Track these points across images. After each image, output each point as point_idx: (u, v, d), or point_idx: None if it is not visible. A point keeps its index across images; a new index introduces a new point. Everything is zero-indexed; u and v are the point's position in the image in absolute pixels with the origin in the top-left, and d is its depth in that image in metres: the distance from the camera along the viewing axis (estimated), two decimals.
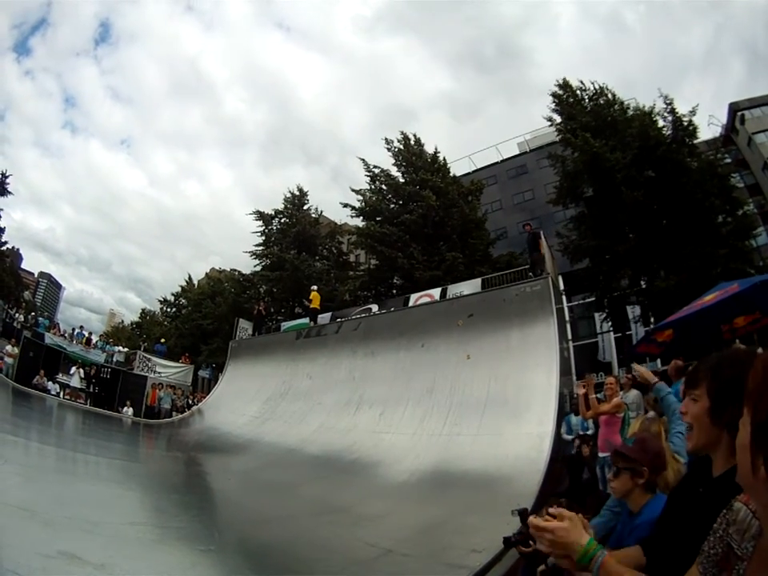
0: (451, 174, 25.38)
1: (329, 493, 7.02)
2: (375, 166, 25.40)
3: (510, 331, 8.57)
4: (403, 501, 6.36)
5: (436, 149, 25.40)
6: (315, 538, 4.95)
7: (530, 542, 1.89)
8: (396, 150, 25.22)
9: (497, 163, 35.31)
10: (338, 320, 15.20)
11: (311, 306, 17.88)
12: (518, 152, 35.11)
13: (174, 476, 9.08)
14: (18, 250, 59.02)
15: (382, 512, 5.93)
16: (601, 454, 6.32)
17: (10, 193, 31.82)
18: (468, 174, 31.38)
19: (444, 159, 25.23)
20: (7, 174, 31.68)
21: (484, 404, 7.89)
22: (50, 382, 17.79)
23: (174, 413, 18.62)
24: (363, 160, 25.60)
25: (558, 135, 21.53)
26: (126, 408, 18.47)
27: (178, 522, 5.47)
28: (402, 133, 25.56)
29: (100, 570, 3.56)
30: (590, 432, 7.33)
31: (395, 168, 25.23)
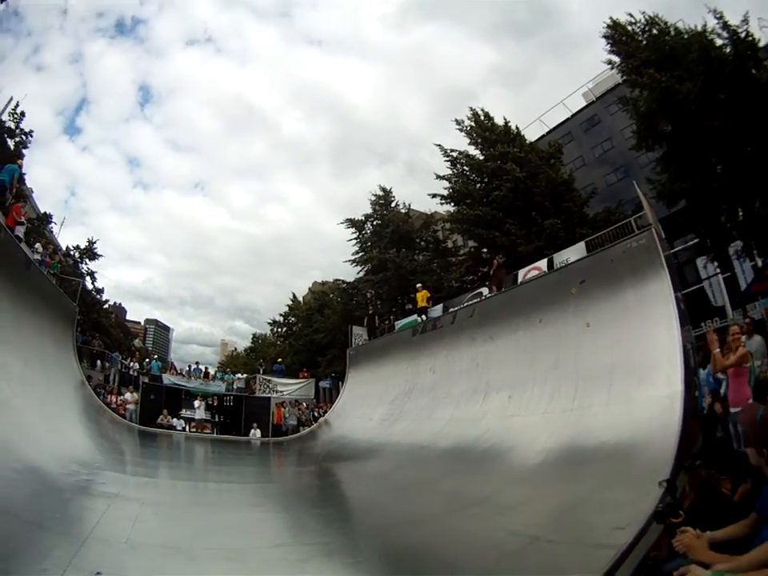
0: (527, 142, 25.31)
1: (467, 485, 6.95)
2: (452, 150, 25.54)
3: (624, 291, 8.12)
4: (542, 483, 6.20)
5: (505, 119, 25.30)
6: (461, 534, 4.93)
7: (680, 512, 2.09)
8: (468, 128, 25.26)
9: (567, 120, 33.89)
10: (451, 310, 15.10)
11: (418, 305, 18.00)
12: (584, 103, 33.80)
13: (311, 490, 9.33)
14: (120, 304, 64.71)
15: (522, 498, 5.82)
16: (732, 409, 6.20)
17: (100, 256, 35.91)
18: (542, 137, 30.74)
19: (516, 128, 25.23)
20: (94, 240, 35.69)
21: (610, 371, 7.49)
22: (175, 419, 19.09)
23: (300, 428, 19.39)
24: (439, 146, 25.84)
25: (621, 77, 21.05)
26: (253, 431, 19.38)
27: (323, 537, 5.50)
28: (471, 109, 25.50)
29: None
30: (720, 388, 7.26)
31: (472, 147, 25.36)
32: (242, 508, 7.24)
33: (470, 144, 25.38)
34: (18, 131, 25.84)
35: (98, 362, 22.58)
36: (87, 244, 35.42)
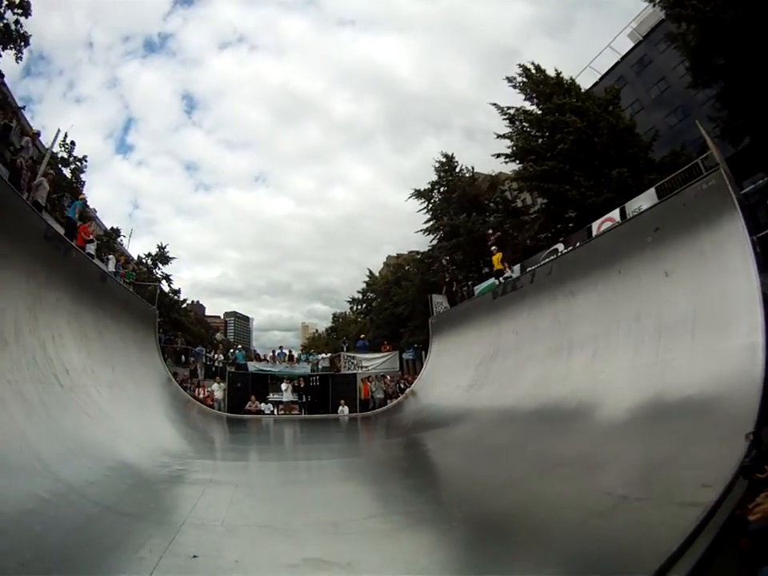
0: (582, 91, 24.69)
1: (555, 446, 6.84)
2: (509, 108, 25.24)
3: (699, 236, 7.65)
4: (629, 441, 6.04)
5: (557, 70, 24.58)
6: (551, 496, 4.93)
7: (765, 468, 2.00)
8: (520, 84, 24.91)
9: (617, 64, 32.31)
10: (529, 269, 14.77)
11: (495, 268, 17.72)
12: (631, 45, 31.86)
13: (401, 461, 9.46)
14: (198, 302, 67.62)
15: (610, 456, 5.70)
16: None
17: (172, 259, 38.62)
18: (595, 84, 29.74)
19: (571, 78, 24.57)
20: (164, 246, 38.33)
21: (691, 321, 7.12)
22: (263, 404, 19.90)
23: (387, 401, 19.65)
24: (495, 105, 25.63)
25: (664, 12, 19.52)
26: (341, 408, 19.90)
27: (415, 506, 5.56)
28: (520, 65, 24.93)
29: (347, 570, 3.65)
30: None
31: (528, 103, 24.92)
32: (334, 483, 7.43)
33: (525, 100, 24.95)
34: (71, 159, 27.53)
35: (183, 357, 23.64)
36: (158, 250, 37.68)
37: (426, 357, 20.41)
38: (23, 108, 23.78)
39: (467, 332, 15.60)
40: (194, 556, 3.81)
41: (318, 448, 11.86)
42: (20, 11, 21.03)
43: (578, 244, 13.40)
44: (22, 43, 21.51)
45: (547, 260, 14.41)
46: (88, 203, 26.78)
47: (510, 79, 25.07)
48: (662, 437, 5.51)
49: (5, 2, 20.68)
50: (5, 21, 20.79)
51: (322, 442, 13.19)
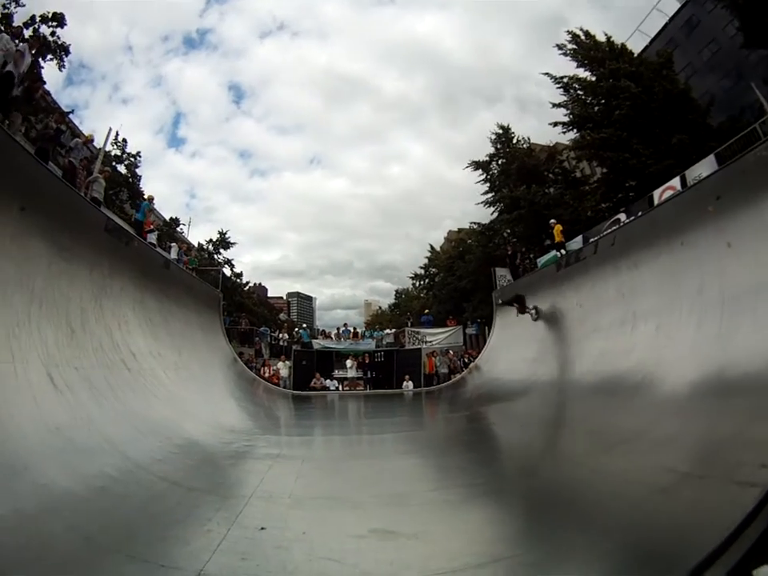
0: (635, 55, 24.68)
1: (618, 421, 6.66)
2: (562, 76, 25.53)
3: (760, 205, 7.06)
4: (693, 417, 5.79)
5: (606, 35, 24.63)
6: (612, 472, 4.87)
7: None
8: (571, 51, 25.07)
9: (666, 26, 31.03)
10: (592, 240, 14.34)
11: (556, 240, 17.52)
12: (678, 5, 30.47)
13: (464, 435, 9.44)
14: (260, 284, 69.41)
15: (674, 432, 5.48)
16: None
17: (233, 244, 40.65)
18: (646, 48, 28.77)
19: (621, 43, 24.61)
20: (225, 231, 40.30)
21: (755, 293, 6.66)
22: (328, 380, 20.44)
23: (451, 375, 19.62)
24: (548, 74, 25.83)
25: None
26: (405, 383, 20.11)
27: (479, 479, 5.56)
28: (569, 32, 25.09)
29: (413, 540, 3.67)
30: None
31: (581, 70, 25.18)
32: (399, 456, 7.47)
33: (578, 67, 25.19)
34: (124, 156, 28.78)
35: (248, 338, 24.28)
36: (219, 235, 39.02)
37: (488, 331, 20.32)
38: (71, 112, 24.97)
39: (531, 304, 15.22)
40: (262, 528, 3.88)
41: (382, 422, 11.97)
42: (54, 23, 22.30)
43: (639, 214, 12.99)
44: (62, 53, 22.84)
45: (609, 230, 13.94)
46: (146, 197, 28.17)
47: (560, 47, 25.45)
48: (725, 413, 5.30)
49: (38, 18, 21.69)
50: (40, 34, 21.89)
51: (387, 416, 13.27)
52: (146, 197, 17.15)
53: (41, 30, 22.00)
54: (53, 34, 22.37)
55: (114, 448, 5.23)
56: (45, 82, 10.79)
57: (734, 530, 2.05)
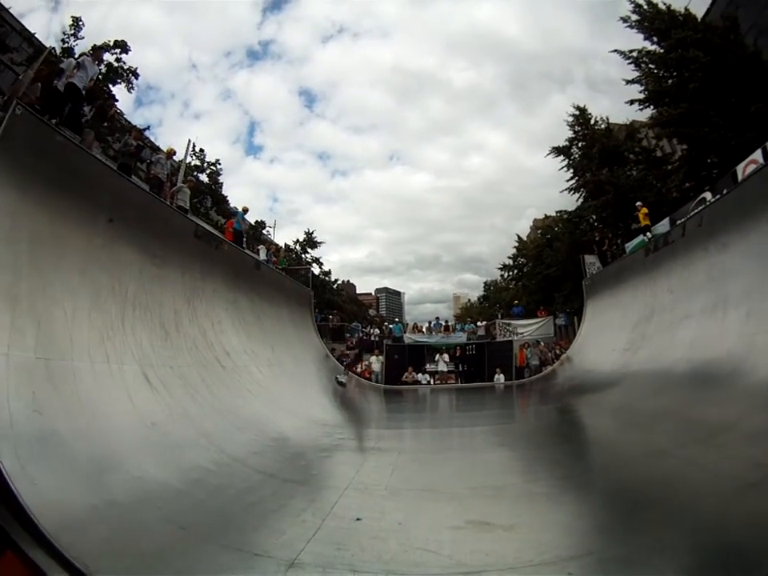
0: (698, 20, 23.07)
1: (710, 413, 6.26)
2: (631, 51, 24.42)
3: None
4: None
5: (664, 2, 23.23)
6: (704, 464, 4.62)
7: None
8: (636, 23, 24.04)
9: None
10: (679, 222, 13.53)
11: (642, 224, 17.03)
12: None
13: (558, 427, 9.25)
14: (348, 281, 70.77)
15: (766, 425, 5.13)
16: None
17: (320, 243, 41.70)
18: (707, 12, 26.49)
19: (685, 9, 23.03)
20: (311, 231, 41.55)
21: None
22: (419, 374, 20.42)
23: (543, 367, 19.08)
24: (617, 50, 24.95)
25: None
26: (497, 376, 19.80)
27: (573, 471, 5.48)
28: (631, 1, 23.94)
29: (509, 531, 3.61)
30: None
31: (648, 43, 23.99)
32: (493, 448, 7.37)
33: (645, 39, 24.07)
34: (204, 165, 30.36)
35: (340, 334, 24.75)
36: (306, 235, 40.15)
37: (578, 322, 19.65)
38: (147, 129, 26.74)
39: (622, 293, 14.73)
40: (358, 519, 3.90)
41: (475, 415, 11.84)
42: (118, 50, 24.03)
43: (724, 191, 11.99)
44: (131, 76, 24.53)
45: (696, 211, 13.07)
46: (233, 205, 29.68)
47: (624, 19, 24.31)
48: None
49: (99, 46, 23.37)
50: (105, 62, 23.40)
51: (479, 409, 13.16)
52: (240, 208, 18.03)
53: (104, 57, 23.56)
54: (118, 60, 24.14)
55: (210, 442, 5.46)
56: (117, 100, 11.43)
57: None
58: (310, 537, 3.46)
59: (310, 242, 40.45)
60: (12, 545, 2.08)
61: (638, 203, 17.77)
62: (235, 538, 3.37)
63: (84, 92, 8.24)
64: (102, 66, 23.48)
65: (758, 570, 2.49)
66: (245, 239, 16.91)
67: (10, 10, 24.84)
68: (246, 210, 17.50)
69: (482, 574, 2.94)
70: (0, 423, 3.29)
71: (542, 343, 20.61)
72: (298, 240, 39.93)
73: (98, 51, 9.01)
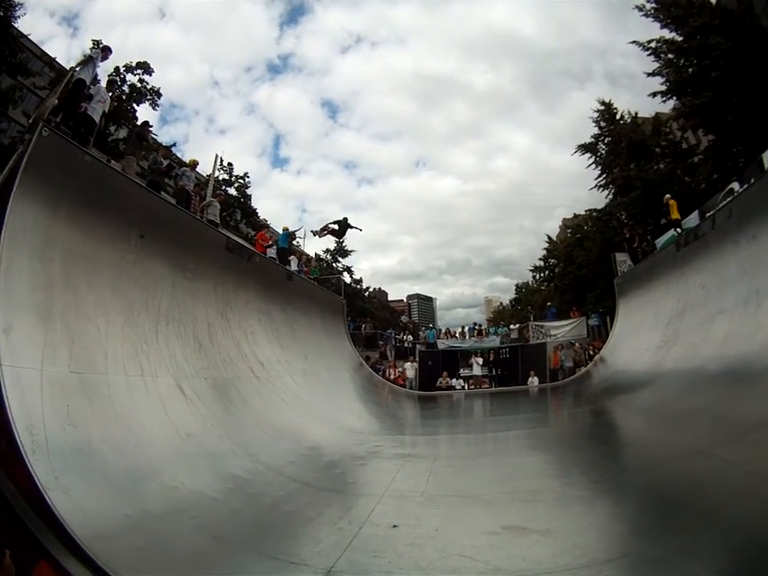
0: (713, 4, 22.68)
1: (745, 409, 6.09)
2: (650, 41, 24.20)
3: None
4: None
5: None
6: (741, 463, 4.48)
7: None
8: (651, 11, 23.84)
9: None
10: (708, 214, 13.27)
11: (671, 217, 16.39)
12: None
13: (593, 429, 9.11)
14: (380, 288, 70.98)
15: None
16: None
17: (351, 251, 42.40)
18: None
19: None
20: (341, 240, 40.71)
21: None
22: (453, 380, 20.30)
23: (577, 369, 18.73)
24: (636, 42, 24.76)
25: None
26: (530, 379, 19.52)
27: (609, 474, 5.39)
28: None
29: (545, 536, 3.59)
30: None
31: (666, 32, 23.76)
32: (528, 452, 7.31)
33: (662, 28, 23.79)
34: (233, 179, 30.95)
35: (372, 341, 24.79)
36: (336, 244, 40.38)
37: (611, 322, 19.29)
38: (174, 145, 27.61)
39: (654, 290, 14.47)
40: (394, 526, 3.89)
41: (509, 420, 11.73)
42: (140, 71, 24.95)
43: (752, 181, 11.87)
44: (155, 96, 25.53)
45: (725, 202, 12.81)
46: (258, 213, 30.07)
47: (640, 8, 24.07)
48: None
49: (122, 68, 24.32)
50: (129, 82, 24.72)
51: (513, 413, 13.06)
52: (281, 229, 18.47)
53: (127, 78, 24.75)
54: (141, 81, 25.04)
55: (245, 451, 5.50)
56: (151, 126, 11.68)
57: None
58: (347, 545, 3.45)
59: (341, 250, 40.80)
60: (45, 554, 2.12)
61: (667, 196, 17.34)
62: (271, 547, 3.38)
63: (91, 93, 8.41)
64: (125, 87, 24.40)
65: None
66: (275, 249, 17.12)
67: (30, 37, 25.87)
68: (286, 230, 17.84)
69: None
70: (35, 437, 3.35)
71: (576, 344, 20.31)
72: (328, 249, 40.35)
73: (105, 51, 9.25)
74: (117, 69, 24.00)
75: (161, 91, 25.52)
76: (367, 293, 47.37)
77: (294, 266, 17.67)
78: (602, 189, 30.16)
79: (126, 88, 24.50)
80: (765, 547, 2.83)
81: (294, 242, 24.59)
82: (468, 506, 4.57)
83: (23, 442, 3.15)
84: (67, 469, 3.36)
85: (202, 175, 21.40)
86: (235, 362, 7.92)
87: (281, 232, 17.88)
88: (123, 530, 3.13)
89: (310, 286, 16.30)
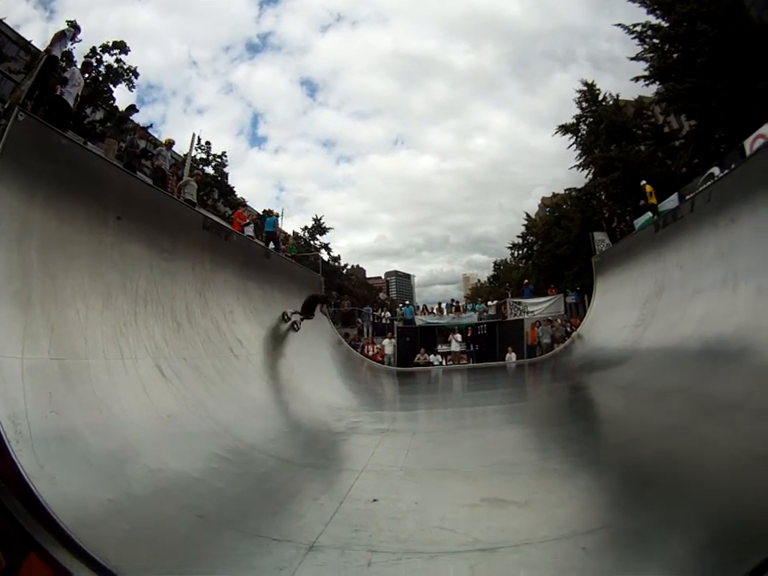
0: None
1: (720, 390, 6.22)
2: (635, 25, 24.51)
3: None
4: None
5: None
6: (715, 440, 4.64)
7: None
8: None
9: None
10: (688, 197, 13.48)
11: (649, 201, 16.58)
12: None
13: (570, 405, 9.25)
14: (358, 266, 71.03)
15: None
16: None
17: (329, 229, 42.08)
18: None
19: None
20: (319, 217, 41.92)
21: None
22: (431, 356, 20.48)
23: (554, 345, 18.98)
24: (621, 25, 25.06)
25: None
26: (508, 355, 19.76)
27: (586, 447, 5.51)
28: None
29: (524, 508, 3.69)
30: None
31: (653, 17, 24.02)
32: (506, 427, 7.41)
33: (648, 13, 24.00)
34: (210, 158, 30.52)
35: (351, 319, 24.84)
36: (314, 222, 40.20)
37: (588, 300, 19.61)
38: (150, 126, 26.87)
39: (631, 269, 14.63)
40: (374, 500, 3.95)
41: (487, 395, 11.84)
42: (117, 51, 24.17)
43: (733, 166, 12.10)
44: (132, 75, 24.76)
45: (705, 186, 13.09)
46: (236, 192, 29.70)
47: None
48: None
49: (98, 48, 23.59)
50: (105, 63, 23.93)
51: (491, 388, 13.12)
52: (271, 212, 18.55)
53: (104, 58, 24.00)
54: (118, 61, 24.29)
55: (226, 431, 5.51)
56: (137, 110, 11.41)
57: None
58: (328, 520, 3.50)
59: (319, 228, 40.55)
60: (35, 546, 2.11)
61: (643, 182, 17.44)
62: (254, 524, 3.41)
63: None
64: (102, 67, 23.69)
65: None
66: (252, 227, 16.97)
67: (5, 21, 24.96)
68: (277, 215, 17.83)
69: (497, 550, 2.96)
70: (18, 426, 3.32)
71: (558, 320, 20.58)
72: (306, 227, 40.11)
73: (75, 29, 9.00)
74: (93, 49, 23.30)
75: (138, 70, 24.65)
76: (345, 270, 47.26)
77: (271, 244, 17.59)
78: (581, 168, 30.47)
79: (102, 68, 23.77)
80: (739, 520, 2.92)
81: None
82: (447, 479, 4.64)
83: (6, 431, 3.11)
84: (51, 457, 3.33)
85: (178, 155, 21.00)
86: (214, 341, 7.85)
87: (260, 212, 17.87)
88: (110, 515, 3.12)
89: (288, 263, 16.15)
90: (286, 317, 11.65)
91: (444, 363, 20.31)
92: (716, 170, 15.73)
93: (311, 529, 3.32)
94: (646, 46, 24.04)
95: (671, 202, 16.55)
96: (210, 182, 28.93)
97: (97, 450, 3.85)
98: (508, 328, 21.44)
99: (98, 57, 23.65)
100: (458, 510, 3.66)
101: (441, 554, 2.98)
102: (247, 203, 21.18)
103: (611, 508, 3.67)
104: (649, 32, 23.73)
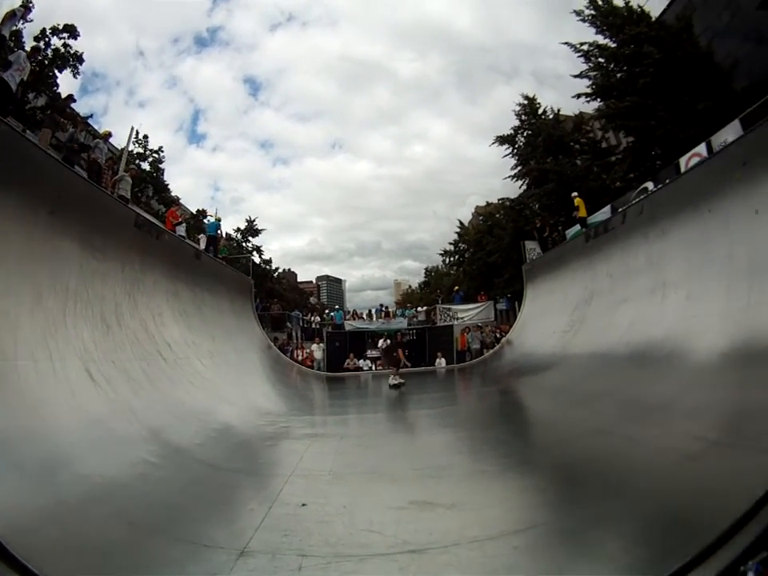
0: (653, 19, 23.67)
1: (648, 392, 6.57)
2: (582, 44, 24.98)
3: None
4: (722, 388, 5.66)
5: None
6: (644, 440, 4.80)
7: None
8: (589, 17, 24.48)
9: None
10: (620, 209, 14.12)
11: (579, 215, 17.27)
12: None
13: (500, 408, 9.54)
14: (289, 269, 70.19)
15: (704, 402, 5.41)
16: None
17: (261, 230, 41.11)
18: (664, 12, 26.90)
19: (639, 6, 23.62)
20: (253, 219, 40.82)
21: None
22: (361, 361, 20.66)
23: (484, 351, 19.51)
24: (567, 43, 25.36)
25: None
26: (438, 360, 20.23)
27: (516, 449, 5.68)
28: None
29: (452, 510, 3.76)
30: None
31: (600, 37, 24.62)
32: (435, 431, 7.58)
33: (597, 33, 24.60)
34: (147, 153, 29.43)
35: (280, 323, 24.59)
36: (247, 223, 39.40)
37: (519, 306, 20.16)
38: (90, 117, 25.57)
39: (562, 277, 15.20)
40: (303, 504, 3.97)
41: (417, 399, 12.00)
42: (66, 35, 22.78)
43: (666, 181, 12.57)
44: (76, 62, 23.33)
45: (637, 200, 13.62)
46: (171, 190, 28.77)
47: (578, 13, 24.66)
48: (755, 385, 5.18)
49: (48, 30, 22.21)
50: (53, 46, 22.53)
51: (422, 393, 13.31)
52: (214, 218, 18.28)
53: (52, 42, 22.56)
54: (65, 45, 22.89)
55: (154, 435, 5.37)
56: (75, 100, 10.94)
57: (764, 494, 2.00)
58: (258, 525, 3.50)
59: (251, 230, 39.71)
60: None
61: (574, 194, 18.25)
62: (185, 530, 3.36)
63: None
64: (49, 51, 22.36)
65: (697, 535, 2.68)
66: (185, 227, 16.56)
67: None
68: (219, 219, 17.80)
69: (426, 552, 3.02)
70: None
71: (488, 326, 21.10)
72: (238, 228, 39.13)
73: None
74: (43, 31, 21.82)
75: (83, 56, 23.16)
76: (277, 273, 46.55)
77: (203, 245, 17.22)
78: (516, 179, 31.09)
79: (49, 52, 22.39)
80: (667, 514, 3.06)
81: (206, 220, 23.91)
82: (375, 483, 4.69)
83: None
84: None
85: (116, 148, 20.16)
86: (143, 343, 7.62)
87: (194, 211, 17.54)
88: (40, 522, 3.01)
89: (219, 265, 15.85)
90: None
91: (374, 368, 20.46)
92: (650, 185, 16.30)
93: (242, 534, 3.31)
94: (591, 65, 24.65)
95: (603, 214, 17.10)
96: (146, 177, 27.80)
97: (26, 455, 3.69)
98: (437, 333, 21.87)
99: (47, 39, 22.12)
100: (387, 513, 3.71)
101: (370, 556, 3.02)
102: (181, 201, 20.50)
103: (542, 507, 3.78)
104: (595, 51, 24.33)
